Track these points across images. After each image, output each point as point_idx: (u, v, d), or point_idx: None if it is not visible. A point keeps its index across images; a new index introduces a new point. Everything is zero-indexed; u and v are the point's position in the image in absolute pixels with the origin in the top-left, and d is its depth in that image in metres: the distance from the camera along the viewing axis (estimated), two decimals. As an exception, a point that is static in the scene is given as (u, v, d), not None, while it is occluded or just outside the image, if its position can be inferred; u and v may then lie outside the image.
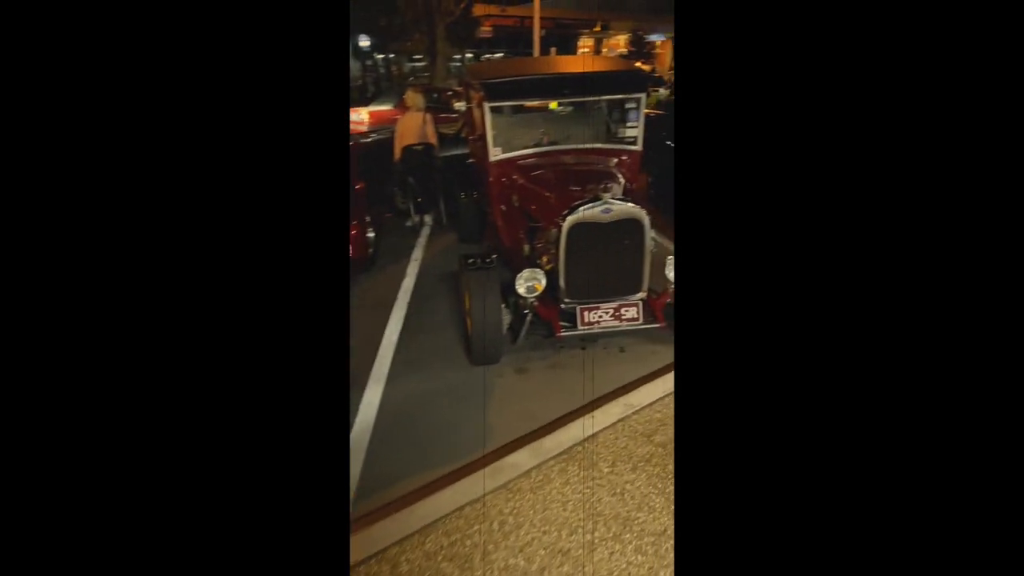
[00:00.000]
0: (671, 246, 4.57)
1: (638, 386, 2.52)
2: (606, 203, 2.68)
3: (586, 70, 3.73)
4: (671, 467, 1.98)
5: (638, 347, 2.98)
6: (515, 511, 1.80)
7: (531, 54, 16.84)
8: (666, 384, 2.52)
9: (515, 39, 23.97)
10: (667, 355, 2.89)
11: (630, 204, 2.71)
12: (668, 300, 2.88)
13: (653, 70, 26.04)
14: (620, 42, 27.91)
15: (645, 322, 2.79)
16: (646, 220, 2.74)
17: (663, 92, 4.37)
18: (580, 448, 2.09)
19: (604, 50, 28.12)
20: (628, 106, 3.59)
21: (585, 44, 28.20)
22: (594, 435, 2.16)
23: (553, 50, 21.04)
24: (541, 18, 16.87)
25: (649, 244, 2.81)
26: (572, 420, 2.27)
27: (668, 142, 5.63)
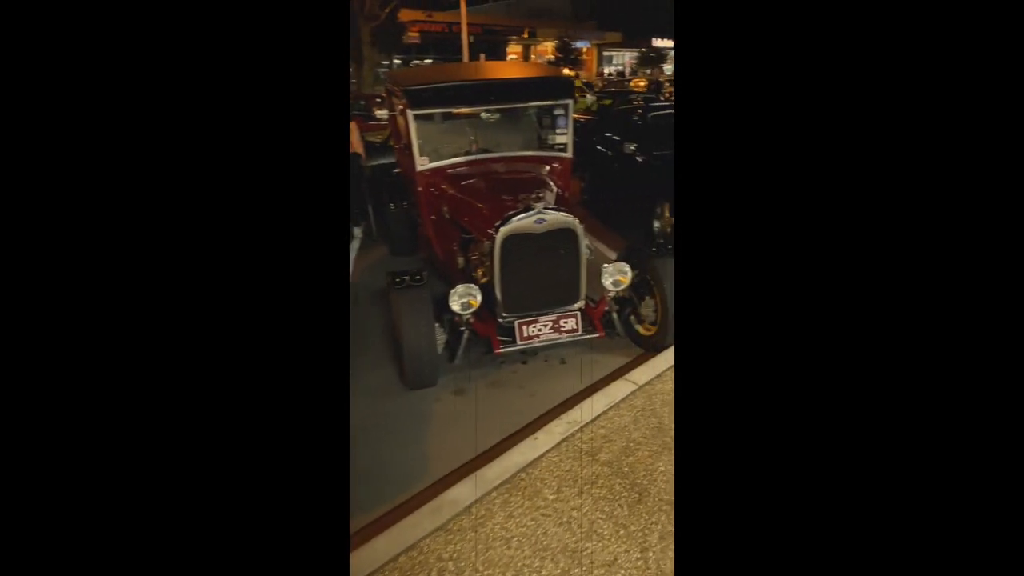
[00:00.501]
0: (608, 252, 4.60)
1: (580, 400, 2.44)
2: (539, 213, 2.61)
3: (512, 76, 3.66)
4: (617, 487, 1.91)
5: (579, 357, 2.91)
6: (455, 555, 1.65)
7: (460, 60, 16.71)
8: (608, 396, 2.46)
9: (444, 45, 23.77)
10: (607, 364, 2.84)
11: (563, 213, 2.65)
12: (605, 308, 2.84)
13: (576, 75, 26.73)
14: (548, 48, 28.43)
15: (584, 333, 2.74)
16: (580, 229, 2.68)
17: (590, 98, 4.34)
18: (524, 475, 1.97)
19: (533, 56, 28.55)
20: (556, 112, 3.54)
21: (514, 50, 28.49)
22: (538, 459, 2.05)
23: (482, 56, 21.05)
24: (469, 24, 16.79)
25: (584, 253, 2.76)
26: (514, 444, 2.15)
27: (599, 147, 5.68)
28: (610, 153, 5.51)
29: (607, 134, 5.81)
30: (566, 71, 27.31)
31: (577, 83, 16.42)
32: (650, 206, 4.70)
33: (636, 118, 5.33)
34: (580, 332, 2.72)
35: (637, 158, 4.98)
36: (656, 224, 4.65)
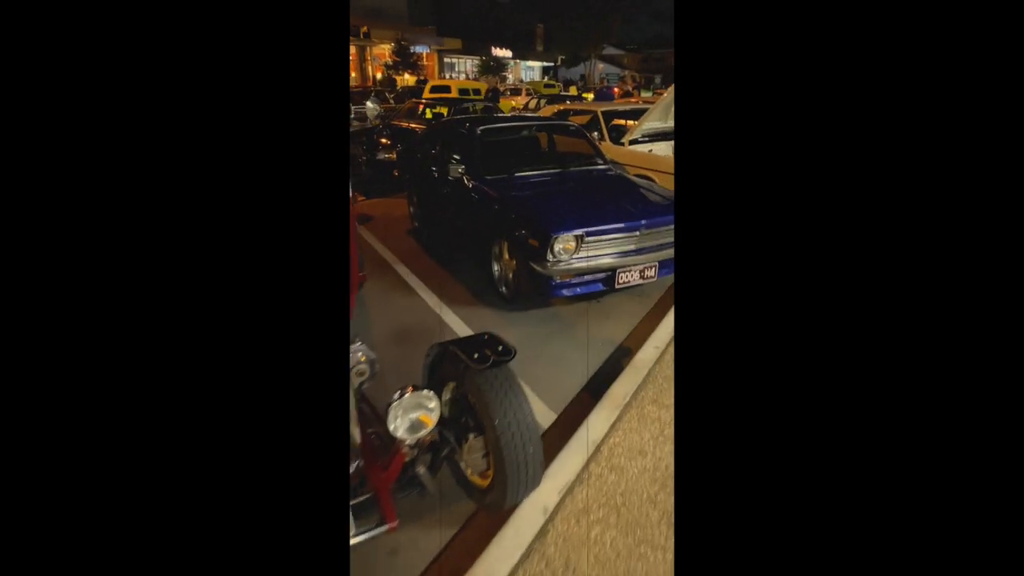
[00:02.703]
0: (442, 311, 3.46)
1: None
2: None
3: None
4: None
5: (368, 545, 1.69)
6: None
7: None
8: None
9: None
10: (412, 561, 1.66)
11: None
12: (404, 462, 1.66)
13: (423, 79, 25.57)
14: (385, 51, 26.74)
15: (361, 530, 1.52)
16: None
17: (371, 106, 3.15)
18: None
19: (368, 58, 26.65)
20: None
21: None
22: None
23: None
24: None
25: (356, 377, 1.56)
26: None
27: (432, 167, 4.50)
28: (438, 173, 4.39)
29: (435, 149, 4.67)
30: (406, 75, 25.93)
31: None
32: (487, 244, 3.68)
33: (463, 131, 4.27)
34: (352, 531, 1.50)
35: (466, 182, 3.92)
36: (495, 268, 3.64)
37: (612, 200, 3.52)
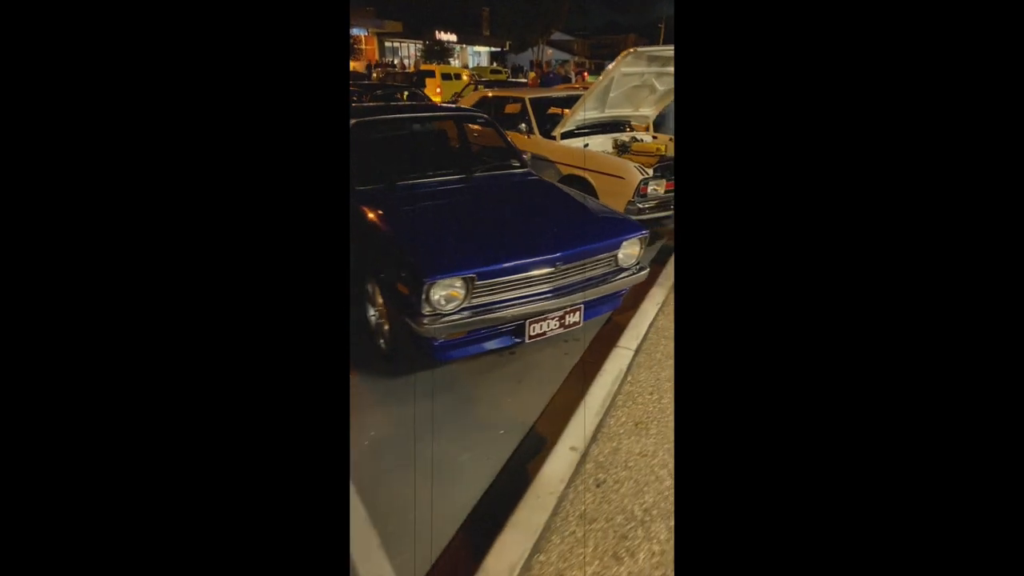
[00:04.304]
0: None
1: None
2: None
3: None
4: None
5: None
6: None
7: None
8: None
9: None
10: None
11: None
12: None
13: (370, 64, 23.86)
14: (319, 33, 24.78)
15: None
16: None
17: None
18: None
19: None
20: None
21: (276, 33, 24.13)
22: None
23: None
24: None
25: None
26: None
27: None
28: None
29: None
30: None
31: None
32: (359, 281, 2.71)
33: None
34: None
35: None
36: (371, 313, 2.67)
37: (522, 222, 2.61)
